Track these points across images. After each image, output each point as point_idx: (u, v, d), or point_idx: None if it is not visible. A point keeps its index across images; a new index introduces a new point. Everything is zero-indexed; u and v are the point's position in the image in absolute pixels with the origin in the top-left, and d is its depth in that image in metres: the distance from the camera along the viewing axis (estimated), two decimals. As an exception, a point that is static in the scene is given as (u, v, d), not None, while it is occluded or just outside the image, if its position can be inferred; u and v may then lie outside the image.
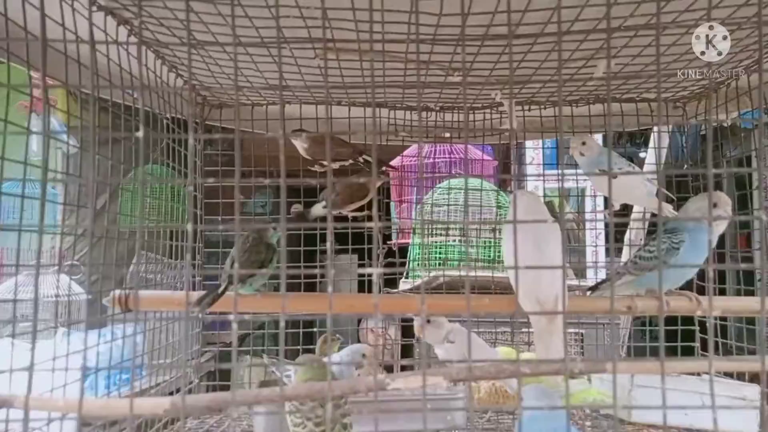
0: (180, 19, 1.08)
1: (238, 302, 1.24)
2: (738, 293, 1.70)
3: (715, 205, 1.27)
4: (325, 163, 1.84)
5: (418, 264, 2.66)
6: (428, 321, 1.49)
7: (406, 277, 2.68)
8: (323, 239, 2.10)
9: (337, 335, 1.80)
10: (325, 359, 1.52)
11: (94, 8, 1.11)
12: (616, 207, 1.78)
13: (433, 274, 2.44)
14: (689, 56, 1.36)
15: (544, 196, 3.28)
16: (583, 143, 1.62)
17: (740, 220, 1.83)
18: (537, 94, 1.64)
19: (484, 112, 1.86)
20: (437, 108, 1.84)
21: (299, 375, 1.17)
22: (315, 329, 1.95)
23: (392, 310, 1.40)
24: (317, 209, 1.75)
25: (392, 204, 3.16)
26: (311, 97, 1.71)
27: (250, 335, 3.05)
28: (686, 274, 1.28)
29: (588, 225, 3.06)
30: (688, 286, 1.29)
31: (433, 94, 1.64)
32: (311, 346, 1.92)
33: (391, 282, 2.72)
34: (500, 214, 2.53)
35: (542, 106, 1.80)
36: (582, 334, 2.46)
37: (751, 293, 1.61)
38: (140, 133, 0.62)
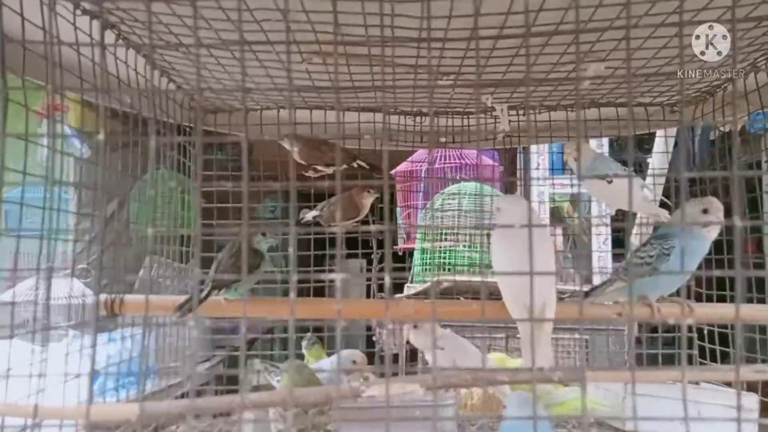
0: (142, 20, 1.08)
1: (226, 307, 1.24)
2: (750, 301, 1.65)
3: (706, 211, 1.26)
4: (319, 167, 1.83)
5: (423, 269, 2.66)
6: (415, 326, 1.48)
7: (411, 282, 2.67)
8: (333, 243, 2.11)
9: (314, 339, 1.79)
10: (314, 365, 1.50)
11: (78, 12, 1.11)
12: (612, 212, 1.76)
13: (437, 278, 2.42)
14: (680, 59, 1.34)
15: (551, 201, 3.26)
16: (577, 149, 1.60)
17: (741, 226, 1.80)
18: (530, 98, 1.62)
19: (479, 117, 1.84)
20: (431, 113, 1.83)
21: (284, 381, 1.16)
22: (319, 334, 1.95)
23: (356, 315, 1.39)
24: (307, 215, 1.75)
25: (398, 209, 3.15)
26: (303, 102, 1.71)
27: (259, 339, 3.04)
28: (678, 280, 1.25)
29: (594, 230, 3.03)
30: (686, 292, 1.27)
31: (424, 98, 1.63)
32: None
33: (398, 287, 2.70)
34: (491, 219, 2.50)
35: (537, 111, 1.79)
36: (587, 340, 2.43)
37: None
38: (101, 136, 0.61)
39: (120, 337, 1.86)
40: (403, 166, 3.00)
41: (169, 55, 1.35)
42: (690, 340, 1.73)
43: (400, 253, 3.01)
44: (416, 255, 2.72)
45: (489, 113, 1.79)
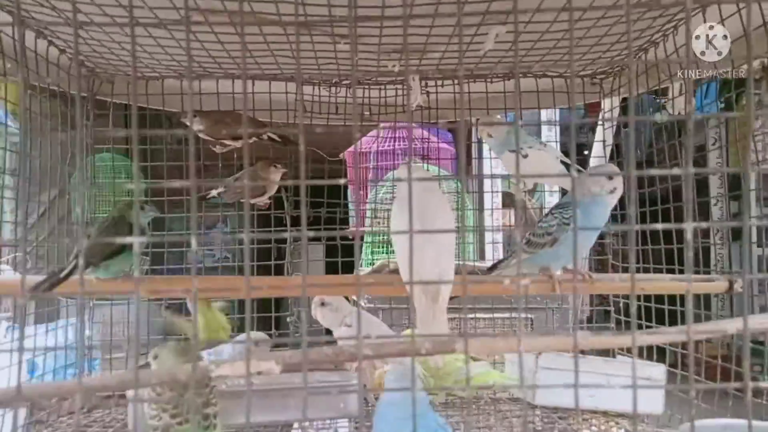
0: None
1: (99, 286, 1.14)
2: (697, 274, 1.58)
3: (610, 178, 1.23)
4: (226, 142, 1.73)
5: (372, 251, 2.59)
6: (322, 304, 1.42)
7: (362, 265, 2.59)
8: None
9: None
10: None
11: None
12: (529, 186, 1.72)
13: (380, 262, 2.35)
14: (599, 31, 1.31)
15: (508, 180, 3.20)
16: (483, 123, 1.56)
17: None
18: (439, 65, 1.56)
19: (396, 88, 1.78)
20: (345, 83, 1.75)
21: (159, 362, 1.07)
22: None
23: (215, 294, 1.32)
24: (212, 192, 1.67)
25: (348, 189, 3.04)
26: (203, 70, 1.61)
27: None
28: (580, 249, 1.23)
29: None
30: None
31: (330, 66, 1.55)
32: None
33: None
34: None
35: (454, 82, 1.73)
36: (531, 319, 2.41)
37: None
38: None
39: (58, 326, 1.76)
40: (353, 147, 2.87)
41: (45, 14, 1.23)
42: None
43: (351, 236, 2.90)
44: (366, 237, 2.64)
45: (402, 84, 1.73)
